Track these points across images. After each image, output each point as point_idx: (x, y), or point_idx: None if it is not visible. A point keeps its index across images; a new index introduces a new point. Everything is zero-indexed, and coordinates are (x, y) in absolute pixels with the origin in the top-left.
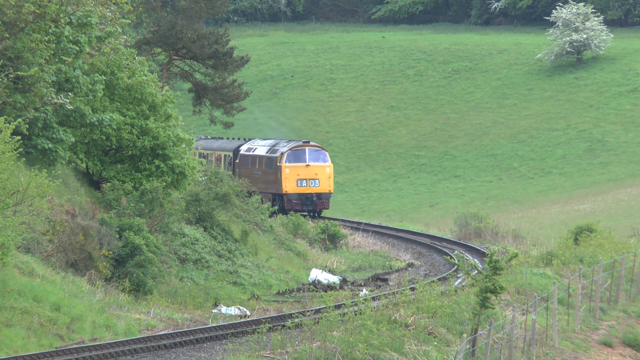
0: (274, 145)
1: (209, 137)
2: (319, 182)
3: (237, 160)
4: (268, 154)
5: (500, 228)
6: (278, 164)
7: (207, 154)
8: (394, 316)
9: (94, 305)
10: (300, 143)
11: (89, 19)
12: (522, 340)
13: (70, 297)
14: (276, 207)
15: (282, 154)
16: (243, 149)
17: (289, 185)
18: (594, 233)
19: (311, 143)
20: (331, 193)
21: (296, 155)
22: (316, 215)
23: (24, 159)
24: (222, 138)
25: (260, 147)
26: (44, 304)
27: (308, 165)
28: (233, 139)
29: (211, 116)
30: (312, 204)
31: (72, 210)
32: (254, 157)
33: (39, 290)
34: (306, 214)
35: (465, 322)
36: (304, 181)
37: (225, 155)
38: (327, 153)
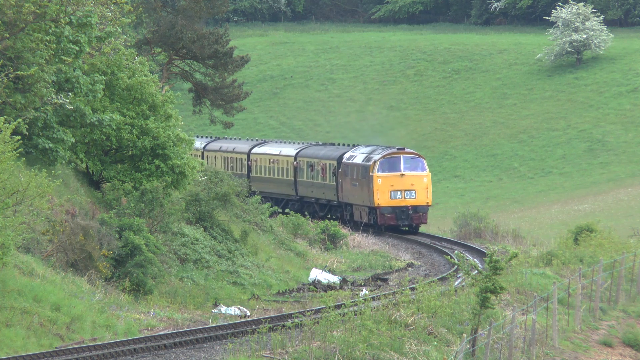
0: (370, 153)
1: (319, 143)
2: (415, 193)
3: (340, 170)
4: (363, 163)
5: (500, 228)
6: (370, 173)
7: (313, 162)
8: (394, 316)
9: (94, 305)
10: (395, 150)
11: (89, 19)
12: (522, 340)
13: (70, 297)
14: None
15: (374, 162)
16: (345, 157)
17: (382, 197)
18: (594, 233)
19: (407, 150)
20: (429, 205)
21: (390, 164)
22: (413, 231)
23: (24, 159)
24: (334, 144)
25: (359, 155)
26: (44, 304)
27: (403, 174)
28: (339, 145)
29: (211, 116)
30: (408, 218)
31: (72, 210)
32: (353, 166)
33: (39, 290)
34: (406, 228)
35: (465, 322)
36: (399, 192)
37: (329, 164)
38: (424, 161)
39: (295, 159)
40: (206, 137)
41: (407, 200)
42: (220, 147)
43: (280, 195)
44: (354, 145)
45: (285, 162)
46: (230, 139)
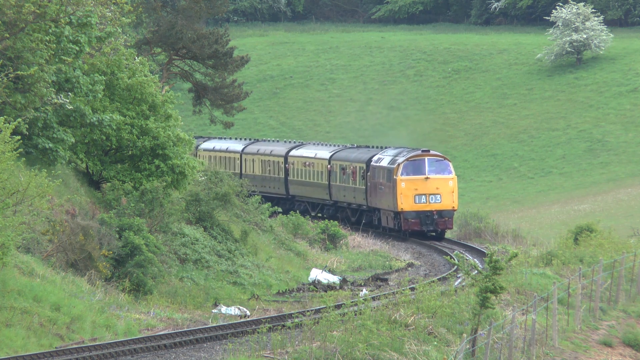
0: (396, 156)
1: (354, 145)
2: (440, 197)
3: (369, 173)
4: (388, 165)
5: (500, 228)
6: (394, 176)
7: (345, 165)
8: (394, 316)
9: (94, 305)
10: (419, 152)
11: (89, 19)
12: (522, 340)
13: (70, 297)
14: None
15: (398, 165)
16: (374, 160)
17: (405, 201)
18: (594, 233)
19: (432, 152)
20: (455, 210)
21: (414, 167)
22: (438, 237)
23: (24, 159)
24: (368, 147)
25: (386, 158)
26: (44, 304)
27: (427, 177)
28: (371, 147)
29: (211, 116)
30: (433, 223)
31: (72, 210)
32: (379, 169)
33: (39, 290)
34: (433, 234)
35: (465, 322)
36: (423, 197)
37: (359, 167)
38: (450, 163)
39: (329, 162)
40: (246, 139)
41: (432, 205)
42: (257, 150)
43: (315, 199)
44: (385, 148)
45: (320, 165)
46: (269, 141)
